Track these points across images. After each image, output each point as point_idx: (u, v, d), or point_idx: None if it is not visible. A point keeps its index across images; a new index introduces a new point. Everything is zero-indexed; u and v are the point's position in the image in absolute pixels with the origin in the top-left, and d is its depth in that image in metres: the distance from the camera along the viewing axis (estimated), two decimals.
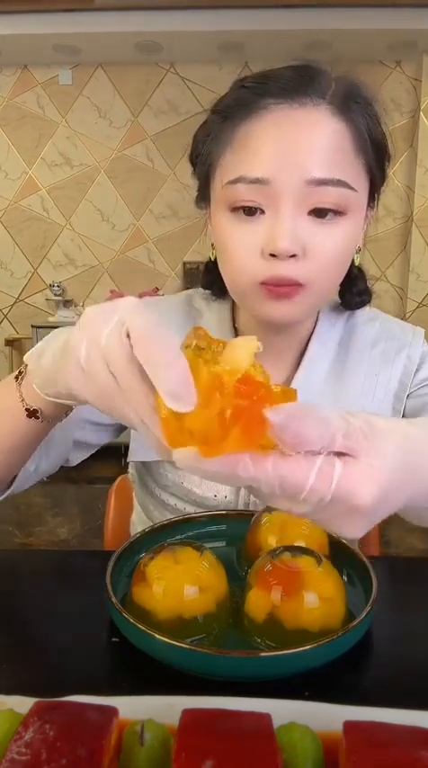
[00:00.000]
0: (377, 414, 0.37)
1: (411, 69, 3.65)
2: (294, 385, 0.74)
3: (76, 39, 3.39)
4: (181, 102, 3.79)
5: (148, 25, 3.26)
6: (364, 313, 0.81)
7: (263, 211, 0.60)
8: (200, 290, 0.81)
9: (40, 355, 0.49)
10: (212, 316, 0.79)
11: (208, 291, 0.79)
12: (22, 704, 0.36)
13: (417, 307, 3.84)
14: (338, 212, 0.60)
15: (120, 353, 0.36)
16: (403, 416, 0.78)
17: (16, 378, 0.54)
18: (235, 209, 0.62)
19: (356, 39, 3.26)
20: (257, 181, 0.59)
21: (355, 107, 0.61)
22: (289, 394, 0.34)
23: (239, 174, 0.60)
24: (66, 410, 0.55)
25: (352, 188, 0.60)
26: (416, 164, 3.66)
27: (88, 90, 3.83)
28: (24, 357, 0.53)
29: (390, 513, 0.37)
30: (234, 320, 0.78)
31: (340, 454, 0.34)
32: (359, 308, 0.79)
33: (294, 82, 0.60)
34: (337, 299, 0.78)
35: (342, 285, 0.70)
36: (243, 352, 0.34)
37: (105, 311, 0.39)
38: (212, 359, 0.34)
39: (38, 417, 0.53)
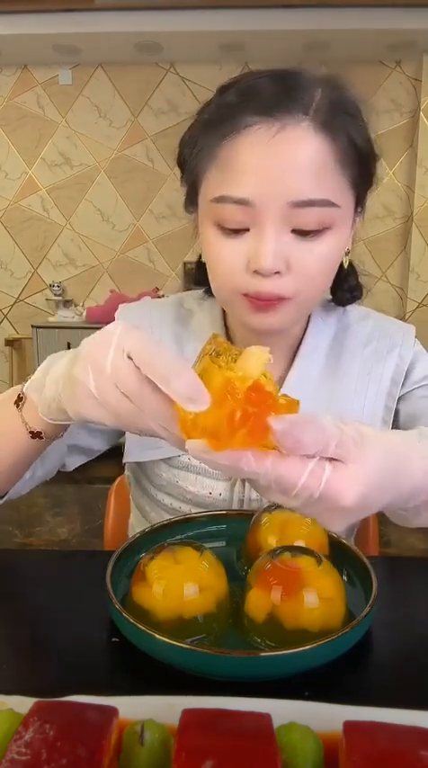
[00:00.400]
0: (368, 424, 0.42)
1: (411, 69, 3.64)
2: (288, 383, 0.75)
3: (76, 39, 3.39)
4: (181, 102, 3.78)
5: (148, 25, 3.26)
6: (357, 311, 0.81)
7: (248, 229, 0.61)
8: (194, 292, 0.82)
9: (41, 386, 0.52)
10: (204, 315, 0.79)
11: (200, 291, 0.80)
12: (22, 704, 0.36)
13: (417, 307, 3.84)
14: (322, 228, 0.60)
15: (129, 375, 0.40)
16: (397, 418, 0.78)
17: (16, 403, 0.57)
18: (220, 227, 0.62)
19: (356, 39, 3.25)
20: (241, 201, 0.59)
21: (339, 119, 0.59)
22: (292, 405, 0.39)
23: (223, 192, 0.60)
24: (67, 425, 0.57)
25: (336, 205, 0.60)
26: (416, 164, 3.65)
27: (88, 90, 3.83)
28: (24, 388, 0.57)
29: (371, 513, 0.42)
30: (225, 319, 0.78)
31: (332, 459, 0.38)
32: (350, 304, 0.79)
33: (276, 98, 0.58)
34: (328, 295, 0.78)
35: (333, 282, 0.70)
36: (255, 360, 0.39)
37: (101, 341, 0.43)
38: (226, 365, 0.39)
39: (41, 437, 0.57)
